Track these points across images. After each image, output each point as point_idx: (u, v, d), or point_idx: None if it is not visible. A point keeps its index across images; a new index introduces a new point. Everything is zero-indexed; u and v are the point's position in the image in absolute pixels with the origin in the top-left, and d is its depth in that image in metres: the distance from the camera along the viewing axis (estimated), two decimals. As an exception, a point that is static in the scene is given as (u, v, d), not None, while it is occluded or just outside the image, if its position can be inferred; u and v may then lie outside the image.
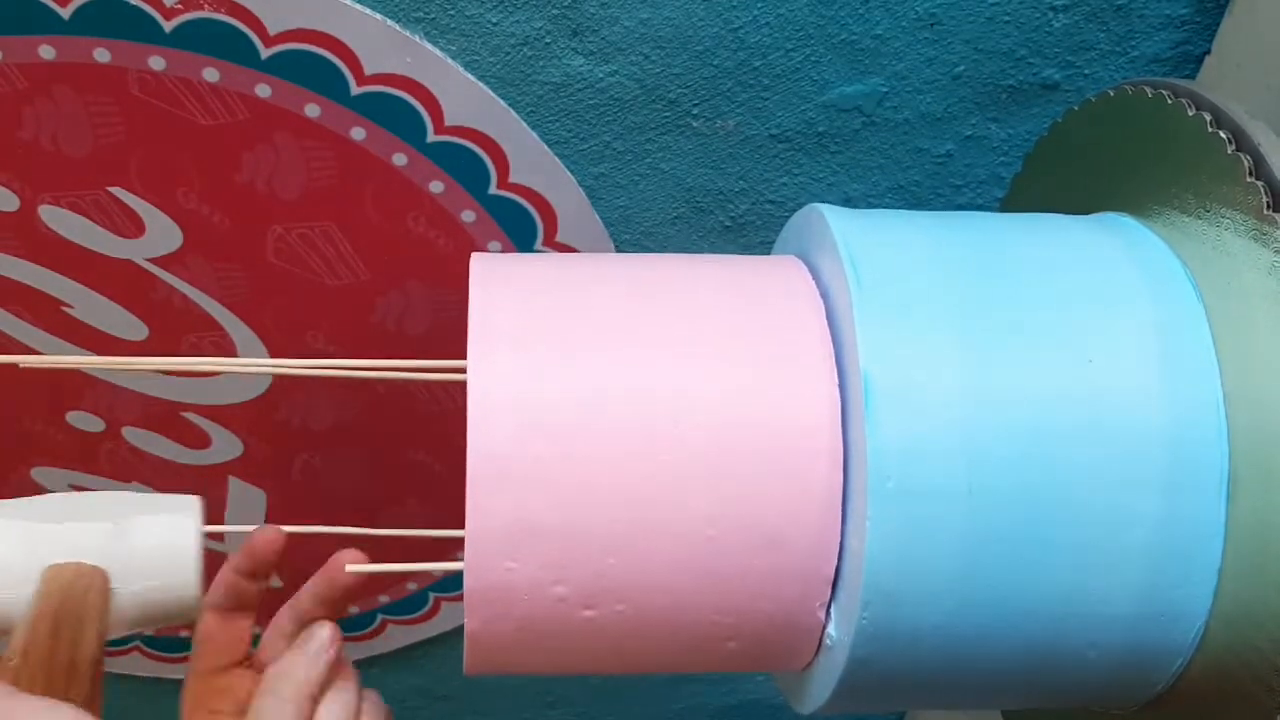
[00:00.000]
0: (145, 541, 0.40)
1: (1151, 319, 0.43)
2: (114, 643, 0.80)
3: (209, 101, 0.57)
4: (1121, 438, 0.42)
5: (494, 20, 0.57)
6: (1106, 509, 0.41)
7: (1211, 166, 0.44)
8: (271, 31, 0.55)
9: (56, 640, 0.38)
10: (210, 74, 0.56)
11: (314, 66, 0.56)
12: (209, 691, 0.44)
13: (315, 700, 0.42)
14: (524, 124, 0.60)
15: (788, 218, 0.51)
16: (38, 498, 0.40)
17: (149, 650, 0.81)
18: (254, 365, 0.54)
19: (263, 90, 0.57)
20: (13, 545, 0.38)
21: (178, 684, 0.86)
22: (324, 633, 0.43)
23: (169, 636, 0.80)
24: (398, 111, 0.58)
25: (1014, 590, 0.42)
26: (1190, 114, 0.46)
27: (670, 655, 0.45)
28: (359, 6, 0.55)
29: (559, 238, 0.65)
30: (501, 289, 0.45)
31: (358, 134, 0.59)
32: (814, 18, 0.58)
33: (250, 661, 0.45)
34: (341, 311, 0.66)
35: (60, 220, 0.61)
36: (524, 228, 0.64)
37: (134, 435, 0.71)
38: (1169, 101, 0.47)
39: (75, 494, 0.41)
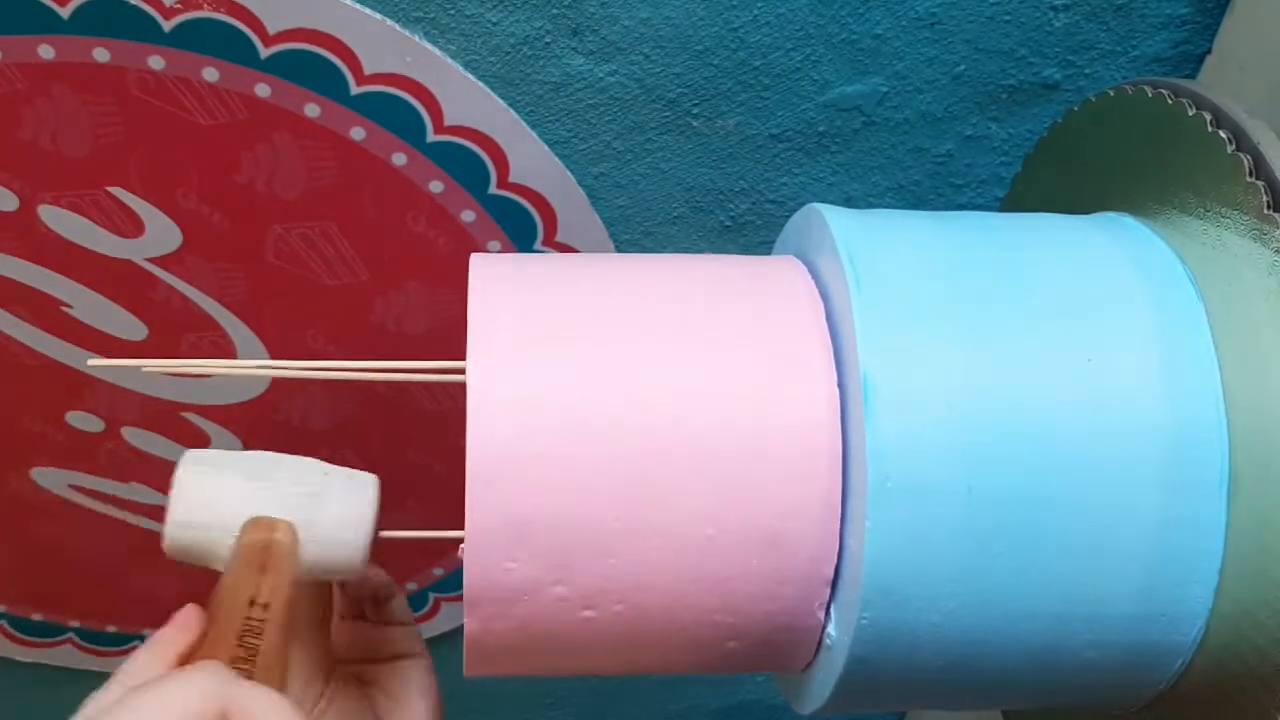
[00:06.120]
0: (333, 510, 0.46)
1: (1151, 318, 0.43)
2: (114, 641, 0.80)
3: (209, 101, 0.57)
4: (1121, 437, 0.42)
5: (494, 20, 0.57)
6: (1106, 509, 0.41)
7: (1212, 166, 0.44)
8: (271, 31, 0.55)
9: (261, 577, 0.44)
10: (210, 74, 0.56)
11: (314, 66, 0.56)
12: None
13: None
14: (524, 124, 0.60)
15: (788, 218, 0.51)
16: (243, 454, 0.48)
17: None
18: (254, 366, 0.53)
19: (262, 90, 0.57)
20: (230, 495, 0.46)
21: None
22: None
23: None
24: (397, 111, 0.58)
25: (1014, 590, 0.42)
26: (1190, 113, 0.46)
27: (670, 656, 0.45)
28: (359, 6, 0.55)
29: (559, 238, 0.64)
30: (501, 289, 0.45)
31: (357, 134, 0.59)
32: (814, 17, 0.58)
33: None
34: (341, 311, 0.66)
35: (60, 220, 0.61)
36: (524, 228, 0.64)
37: (134, 435, 0.71)
38: (1169, 101, 0.47)
39: (274, 455, 0.48)
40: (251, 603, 0.43)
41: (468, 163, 0.61)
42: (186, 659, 0.42)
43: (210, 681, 0.38)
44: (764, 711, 0.95)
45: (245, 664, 0.41)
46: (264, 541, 0.45)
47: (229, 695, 0.38)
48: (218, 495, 0.46)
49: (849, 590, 0.42)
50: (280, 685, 0.41)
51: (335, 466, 0.48)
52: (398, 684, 0.52)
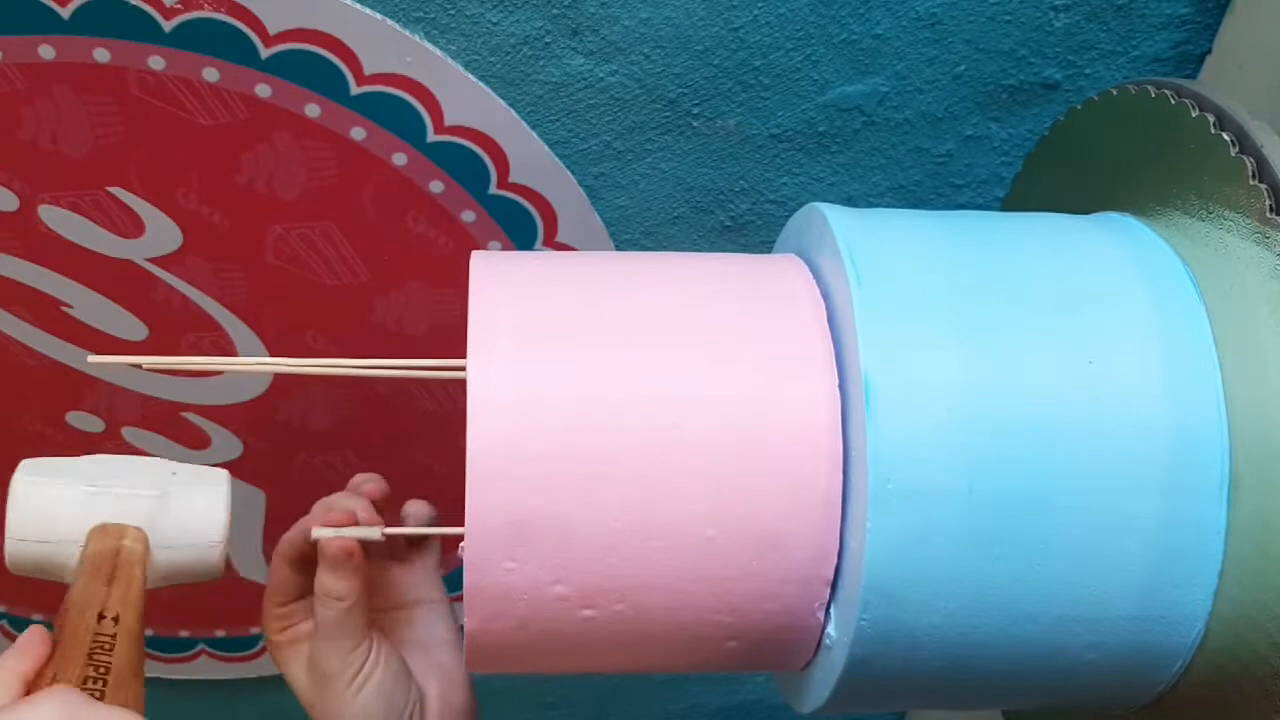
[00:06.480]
0: (182, 511, 0.45)
1: (1153, 320, 0.43)
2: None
3: (209, 101, 0.57)
4: (1122, 440, 0.42)
5: (494, 20, 0.57)
6: (1107, 511, 0.41)
7: (1214, 168, 0.44)
8: (271, 31, 0.55)
9: (109, 588, 0.42)
10: (210, 74, 0.56)
11: (314, 66, 0.56)
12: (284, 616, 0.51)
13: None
14: (524, 124, 0.60)
15: (788, 218, 0.51)
16: (85, 459, 0.45)
17: (151, 651, 0.81)
18: (254, 365, 0.53)
19: (263, 90, 0.57)
20: (70, 505, 0.44)
21: (178, 684, 0.86)
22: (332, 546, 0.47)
23: (170, 638, 0.80)
24: (398, 111, 0.58)
25: (1014, 592, 0.42)
26: (1194, 115, 0.46)
27: (670, 655, 0.45)
28: (359, 6, 0.55)
29: (559, 238, 0.64)
30: (501, 288, 0.44)
31: (358, 134, 0.59)
32: (814, 17, 0.58)
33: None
34: (341, 311, 0.66)
35: (60, 220, 0.61)
36: (524, 228, 0.64)
37: (134, 435, 0.71)
38: (1172, 102, 0.47)
39: (120, 458, 0.46)
40: (100, 617, 0.41)
41: (468, 163, 0.61)
42: (33, 683, 0.39)
43: (59, 709, 0.36)
44: (764, 711, 0.95)
45: (96, 683, 0.39)
46: (111, 549, 0.43)
47: None
48: (56, 505, 0.44)
49: (849, 591, 0.42)
50: (135, 701, 0.40)
51: (185, 465, 0.46)
52: (424, 633, 0.52)
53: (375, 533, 0.48)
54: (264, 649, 0.82)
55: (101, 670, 0.39)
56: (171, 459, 0.71)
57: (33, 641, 0.41)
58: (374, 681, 0.48)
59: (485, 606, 0.42)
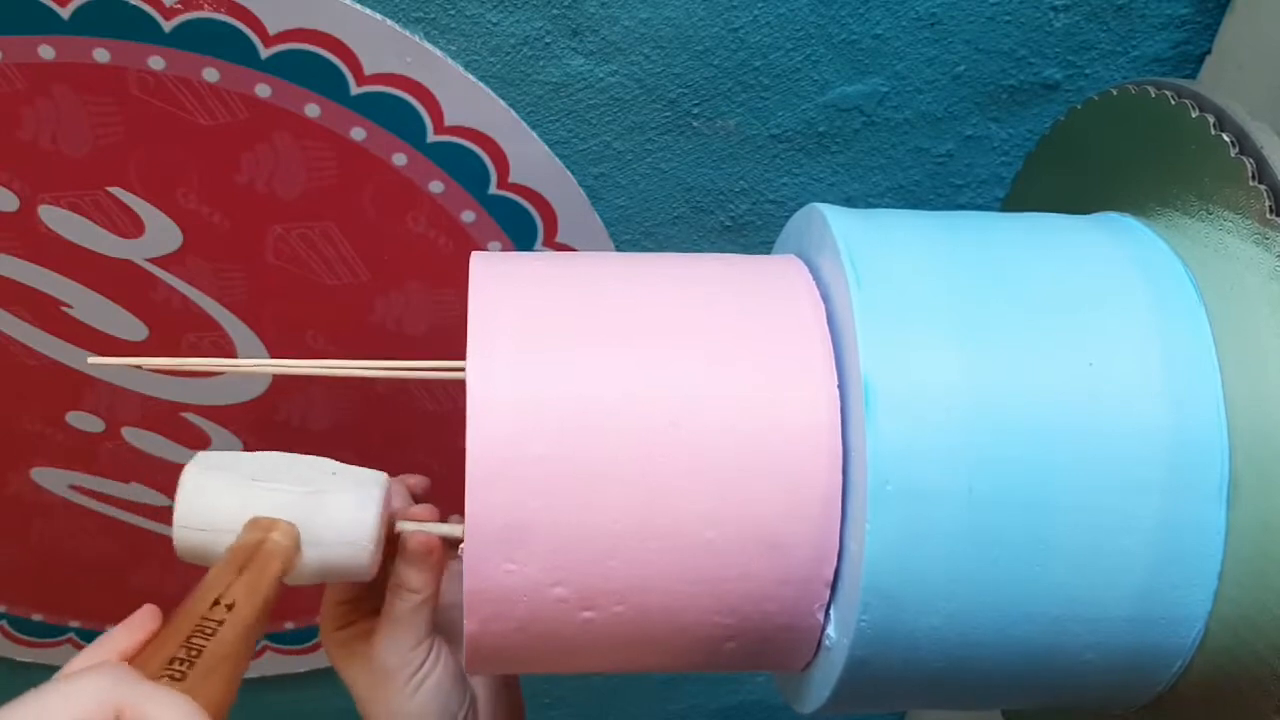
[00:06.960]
0: (334, 510, 0.46)
1: (1153, 321, 0.43)
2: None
3: (209, 101, 0.57)
4: (1122, 440, 0.41)
5: (494, 20, 0.57)
6: (1106, 512, 0.41)
7: (1214, 169, 0.44)
8: (271, 31, 0.55)
9: (237, 577, 0.43)
10: (210, 74, 0.56)
11: (314, 66, 0.56)
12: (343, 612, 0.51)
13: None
14: (524, 124, 0.60)
15: (788, 218, 0.51)
16: (255, 454, 0.47)
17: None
18: (254, 364, 0.54)
19: (262, 90, 0.57)
20: (230, 497, 0.45)
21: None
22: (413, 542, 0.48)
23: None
24: (398, 111, 0.58)
25: (1013, 593, 0.42)
26: (1194, 115, 0.46)
27: (669, 656, 0.45)
28: (359, 6, 0.55)
29: (559, 238, 0.64)
30: (501, 288, 0.44)
31: (358, 134, 0.59)
32: (814, 18, 0.58)
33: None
34: (341, 311, 0.66)
35: (60, 220, 0.61)
36: (524, 228, 0.64)
37: (134, 435, 0.71)
38: (1173, 102, 0.47)
39: (289, 455, 0.48)
40: (215, 603, 0.41)
41: (468, 163, 0.61)
42: (131, 659, 0.39)
43: (105, 683, 0.36)
44: (764, 711, 0.96)
45: (182, 665, 0.38)
46: (255, 541, 0.44)
47: (125, 697, 0.36)
48: (219, 496, 0.45)
49: (848, 592, 0.42)
50: (221, 687, 0.39)
51: (346, 466, 0.47)
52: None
53: (458, 529, 0.48)
54: (264, 649, 0.82)
55: (193, 653, 0.39)
56: (171, 459, 0.72)
57: (141, 618, 0.41)
58: (433, 679, 0.48)
59: (485, 608, 0.42)
